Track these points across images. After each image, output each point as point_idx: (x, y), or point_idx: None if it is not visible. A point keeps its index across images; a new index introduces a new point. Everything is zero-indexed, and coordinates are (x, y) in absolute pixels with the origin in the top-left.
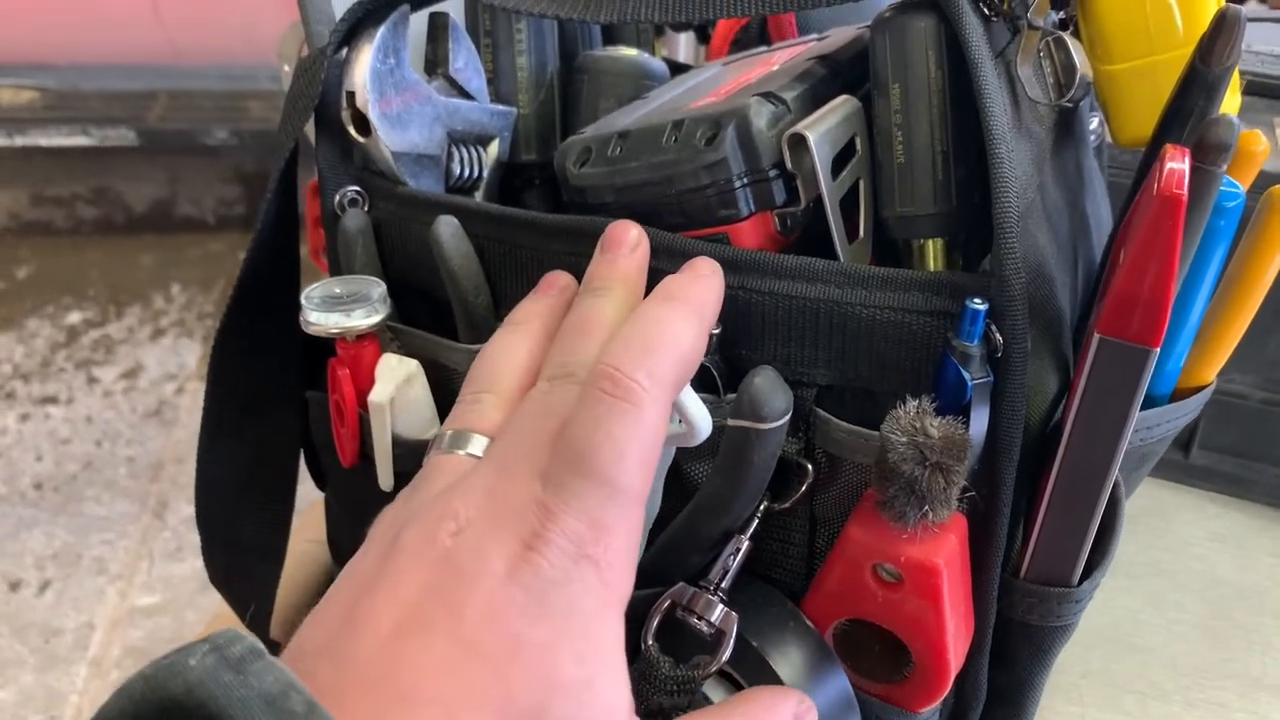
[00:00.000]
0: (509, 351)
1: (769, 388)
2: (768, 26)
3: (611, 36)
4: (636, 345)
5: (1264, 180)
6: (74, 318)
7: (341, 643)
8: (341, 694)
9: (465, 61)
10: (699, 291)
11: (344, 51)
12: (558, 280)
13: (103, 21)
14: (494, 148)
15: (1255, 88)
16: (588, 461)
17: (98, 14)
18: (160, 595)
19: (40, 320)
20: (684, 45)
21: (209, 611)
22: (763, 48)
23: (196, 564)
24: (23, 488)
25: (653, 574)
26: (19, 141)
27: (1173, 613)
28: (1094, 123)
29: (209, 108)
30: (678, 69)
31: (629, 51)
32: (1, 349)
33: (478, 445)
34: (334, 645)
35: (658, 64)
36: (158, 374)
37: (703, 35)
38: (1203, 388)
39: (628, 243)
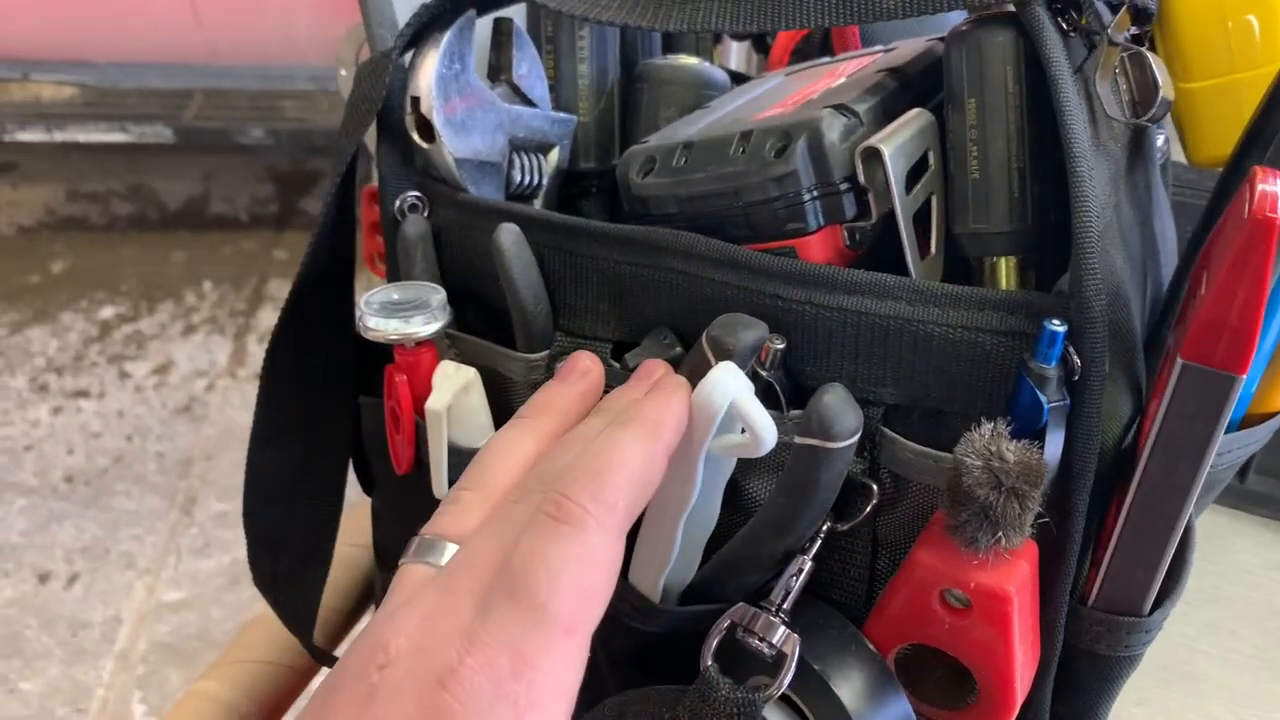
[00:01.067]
0: (507, 448)
1: (840, 406)
2: (830, 37)
3: (671, 45)
4: (585, 470)
5: None
6: (107, 312)
7: None
8: None
9: (529, 68)
10: (656, 410)
11: (409, 56)
12: (578, 364)
13: (143, 20)
14: (554, 155)
15: None
16: (519, 586)
17: (138, 13)
18: (187, 591)
19: (74, 314)
20: (737, 53)
21: (235, 608)
22: (826, 58)
23: (223, 560)
24: (54, 481)
25: (710, 592)
26: (58, 137)
27: (1229, 642)
28: (1160, 139)
29: (244, 107)
30: (736, 78)
31: (690, 60)
32: (35, 342)
33: (444, 556)
34: None
35: (719, 73)
36: (188, 370)
37: (760, 44)
38: (1273, 414)
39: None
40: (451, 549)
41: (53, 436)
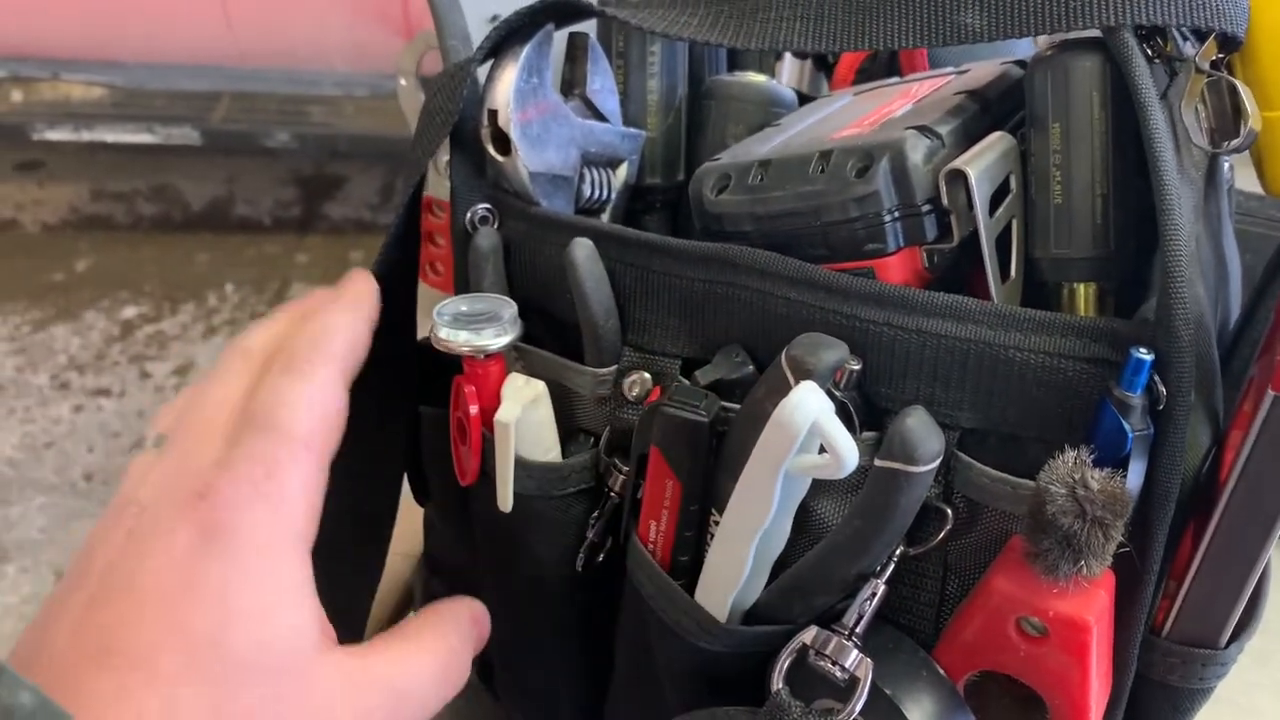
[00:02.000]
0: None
1: (923, 429)
2: (897, 57)
3: (737, 61)
4: (304, 338)
5: None
6: (129, 312)
7: (47, 632)
8: (50, 673)
9: (602, 83)
10: (353, 290)
11: (485, 68)
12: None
13: (174, 22)
14: (623, 170)
15: None
16: (264, 417)
17: (170, 14)
18: None
19: (96, 313)
20: (792, 70)
21: None
22: (895, 79)
23: None
24: (73, 478)
25: (775, 613)
26: (85, 137)
27: None
28: (1225, 166)
29: (271, 110)
30: (801, 97)
31: (758, 78)
32: (58, 340)
33: (153, 438)
34: (42, 636)
35: (787, 91)
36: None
37: (821, 62)
38: None
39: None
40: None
41: (74, 434)
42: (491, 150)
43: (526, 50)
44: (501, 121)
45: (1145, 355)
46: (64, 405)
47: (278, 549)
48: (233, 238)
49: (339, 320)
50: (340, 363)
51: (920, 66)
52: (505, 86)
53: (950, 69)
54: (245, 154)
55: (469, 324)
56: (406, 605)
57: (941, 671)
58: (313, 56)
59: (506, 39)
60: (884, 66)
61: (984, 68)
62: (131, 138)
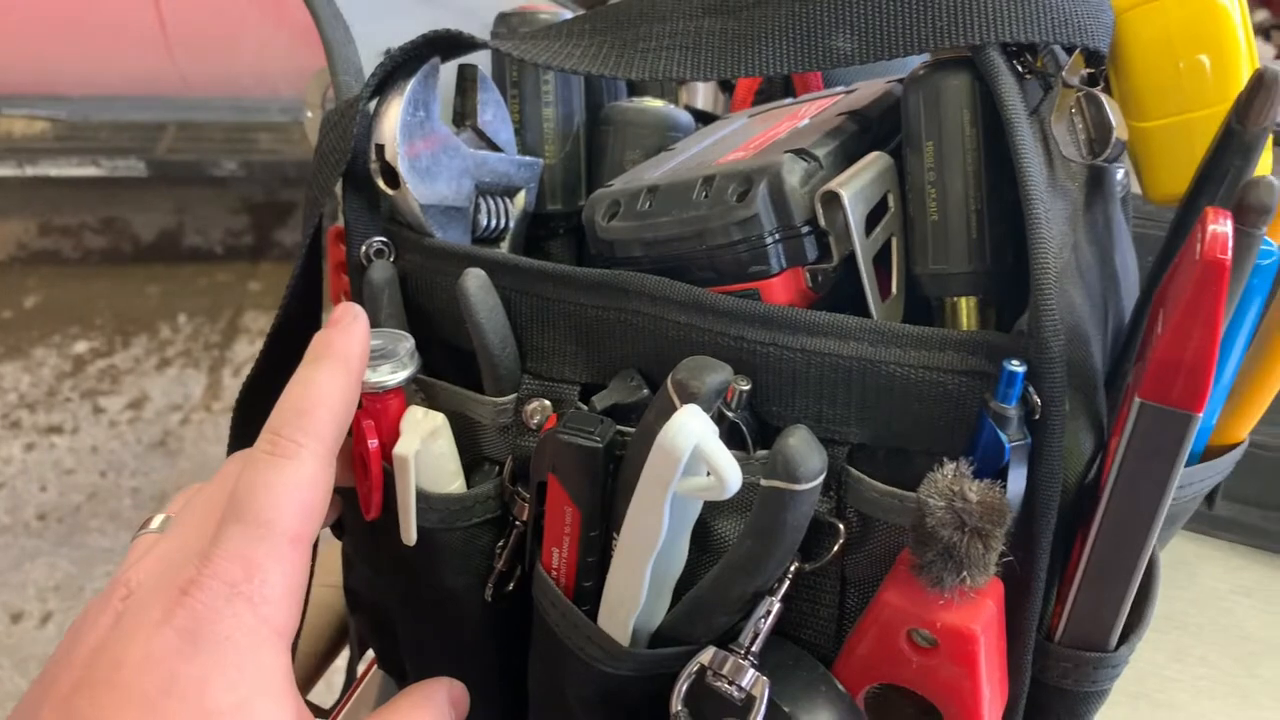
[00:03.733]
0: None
1: (804, 448)
2: (793, 79)
3: (636, 87)
4: (290, 410)
5: None
6: (80, 347)
7: (38, 712)
8: None
9: (494, 114)
10: (343, 344)
11: (374, 103)
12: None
13: (114, 53)
14: (520, 198)
15: None
16: (245, 509)
17: (109, 46)
18: None
19: (47, 349)
20: (703, 93)
21: None
22: (788, 100)
23: None
24: (26, 518)
25: (679, 634)
26: (29, 171)
27: (1199, 668)
28: (1119, 174)
29: (218, 139)
30: (701, 117)
31: (654, 103)
32: (8, 378)
33: (158, 520)
34: (33, 714)
35: (683, 115)
36: (163, 404)
37: (726, 84)
38: (1235, 445)
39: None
40: (162, 516)
41: (25, 473)
42: (381, 184)
43: (412, 84)
44: (389, 156)
45: (1017, 367)
46: (15, 444)
47: (257, 647)
48: (184, 268)
49: (324, 387)
50: (326, 439)
51: (814, 87)
52: (391, 121)
53: (841, 88)
54: (194, 183)
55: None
56: (343, 640)
57: (840, 686)
58: (257, 83)
59: (392, 74)
60: (781, 88)
61: (869, 87)
62: (77, 171)
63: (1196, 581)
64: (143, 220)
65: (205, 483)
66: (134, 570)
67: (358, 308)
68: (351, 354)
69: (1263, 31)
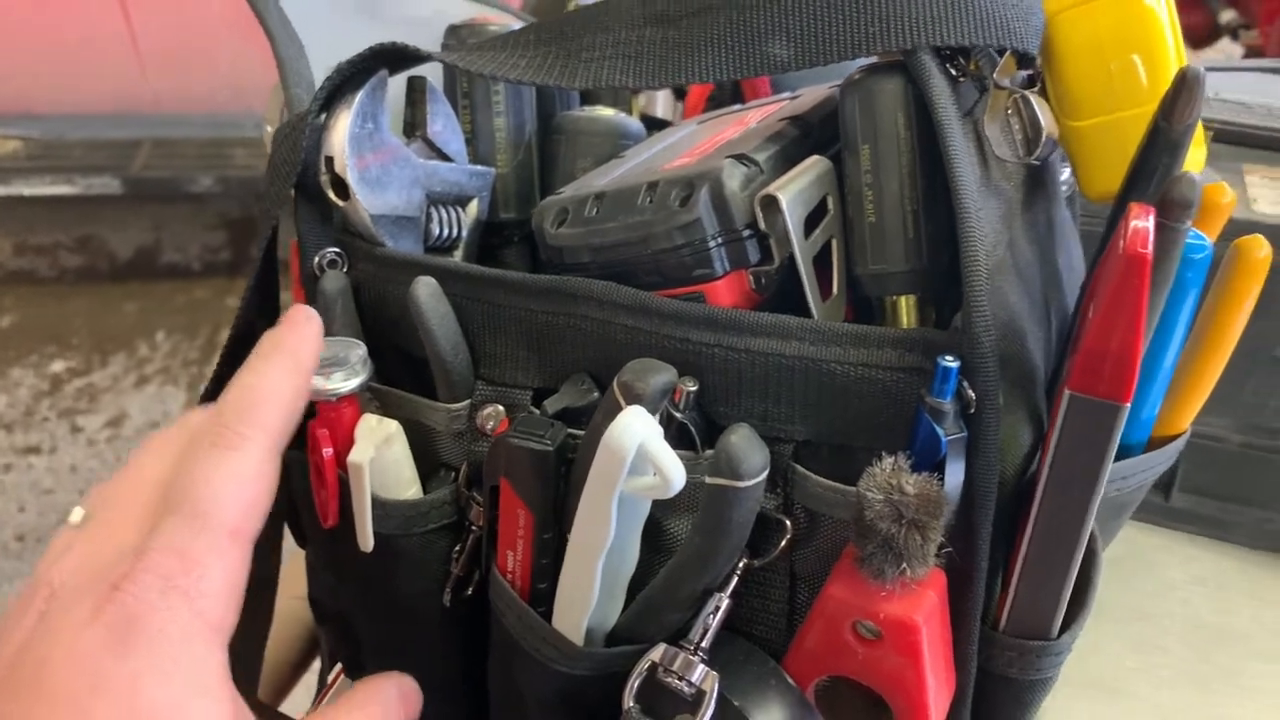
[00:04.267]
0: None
1: (745, 445)
2: (742, 85)
3: (588, 95)
4: (237, 402)
5: (1234, 228)
6: (58, 366)
7: None
8: None
9: (443, 124)
10: (293, 341)
11: (323, 116)
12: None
13: (86, 71)
14: (473, 207)
15: (1224, 136)
16: (184, 501)
17: (83, 64)
18: None
19: (24, 369)
20: (662, 101)
21: None
22: (737, 106)
23: None
24: (4, 539)
25: (633, 633)
26: (3, 191)
27: (1157, 657)
28: (1065, 174)
29: (193, 155)
30: (656, 125)
31: (606, 111)
32: None
33: (77, 515)
34: None
35: (634, 123)
36: (142, 422)
37: (679, 92)
38: (1177, 436)
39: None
40: (80, 511)
41: (3, 494)
42: (332, 196)
43: (360, 96)
44: (338, 168)
45: (951, 363)
46: None
47: (192, 643)
48: (161, 285)
49: (273, 380)
50: (273, 433)
51: (763, 93)
52: (340, 134)
53: (787, 94)
54: (170, 200)
55: (318, 368)
56: (313, 651)
57: (790, 680)
58: (230, 99)
59: (340, 87)
60: (730, 94)
61: (812, 92)
62: (51, 190)
63: (1154, 573)
64: (119, 238)
65: (117, 473)
66: (56, 568)
67: (311, 310)
68: (302, 351)
69: (1230, 31)
